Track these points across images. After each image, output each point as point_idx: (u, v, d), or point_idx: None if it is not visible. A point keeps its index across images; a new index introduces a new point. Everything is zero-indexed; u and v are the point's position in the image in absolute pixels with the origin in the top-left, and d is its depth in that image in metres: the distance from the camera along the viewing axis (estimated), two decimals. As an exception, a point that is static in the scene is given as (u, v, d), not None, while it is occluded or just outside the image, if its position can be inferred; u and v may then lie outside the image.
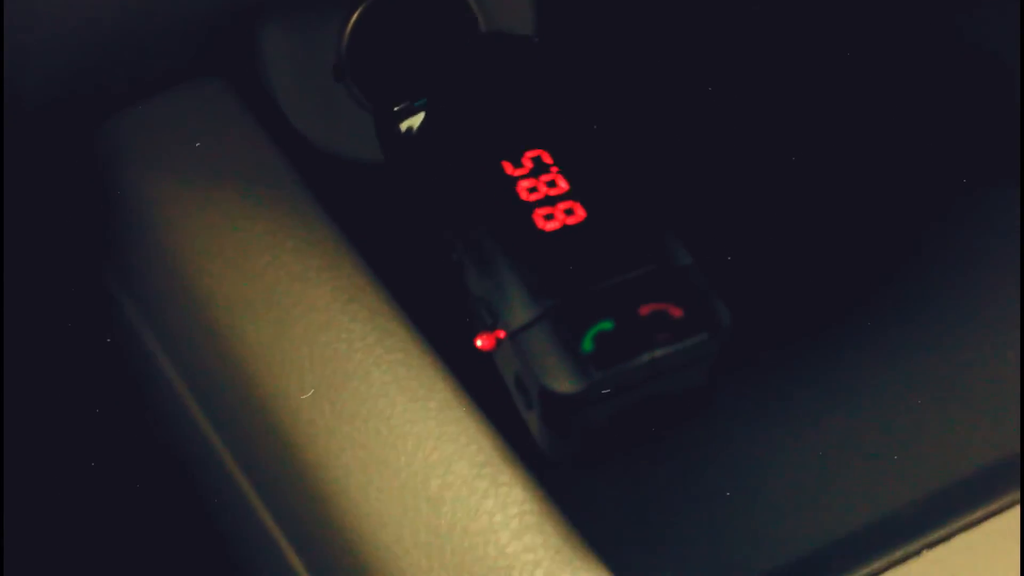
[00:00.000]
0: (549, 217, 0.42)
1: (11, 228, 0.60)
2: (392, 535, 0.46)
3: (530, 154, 0.44)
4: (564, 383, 0.38)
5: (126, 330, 0.58)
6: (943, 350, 0.58)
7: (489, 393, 0.46)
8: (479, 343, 0.41)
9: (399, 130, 0.46)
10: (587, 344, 0.39)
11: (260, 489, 0.52)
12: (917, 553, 0.46)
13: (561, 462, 0.43)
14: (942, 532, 0.47)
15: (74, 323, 0.65)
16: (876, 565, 0.47)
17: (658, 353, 0.38)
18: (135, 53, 0.52)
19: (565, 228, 0.42)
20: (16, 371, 0.64)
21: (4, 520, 0.64)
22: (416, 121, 0.46)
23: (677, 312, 0.39)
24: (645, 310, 0.39)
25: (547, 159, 0.44)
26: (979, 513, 0.48)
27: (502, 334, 0.41)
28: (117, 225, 0.56)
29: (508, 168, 0.43)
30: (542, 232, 0.42)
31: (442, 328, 0.49)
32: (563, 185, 0.43)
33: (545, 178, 0.43)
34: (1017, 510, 0.47)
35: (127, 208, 0.55)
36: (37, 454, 0.66)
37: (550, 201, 0.42)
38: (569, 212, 0.42)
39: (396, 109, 0.46)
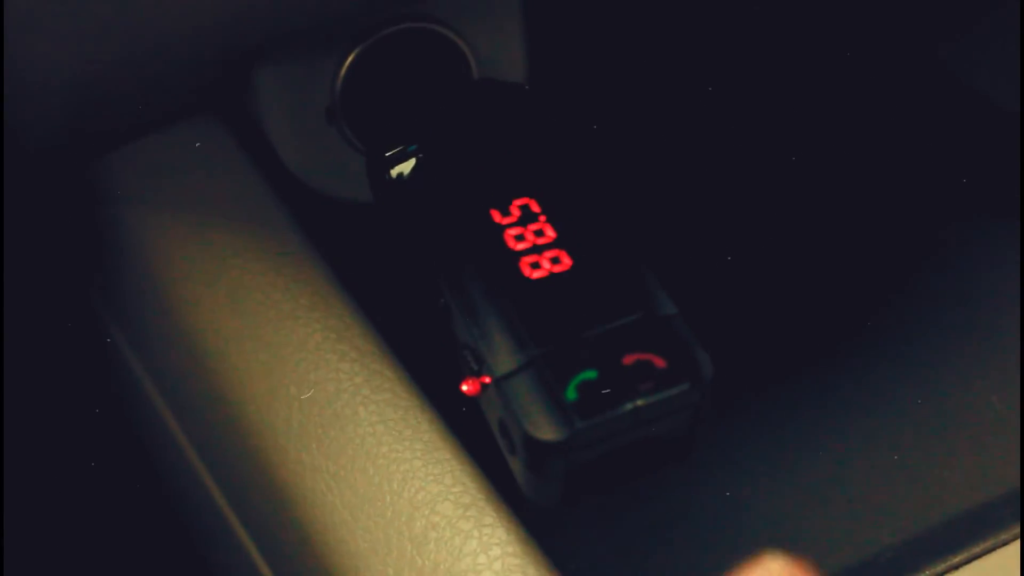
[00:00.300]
0: (536, 265, 0.42)
1: (3, 258, 0.60)
2: (376, 574, 0.46)
3: (518, 202, 0.44)
4: (548, 431, 0.39)
5: (117, 364, 0.58)
6: (932, 389, 0.58)
7: (474, 434, 0.47)
8: (465, 388, 0.42)
9: (390, 176, 0.47)
10: (571, 393, 0.39)
11: (247, 525, 0.53)
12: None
13: (543, 505, 0.43)
14: (929, 572, 0.47)
15: (65, 353, 0.65)
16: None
17: (640, 403, 0.39)
18: (133, 93, 0.52)
19: (551, 276, 0.42)
20: (5, 399, 0.65)
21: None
22: (407, 167, 0.47)
23: (660, 362, 0.40)
24: (629, 360, 0.40)
25: (535, 208, 0.44)
26: (961, 556, 0.48)
27: (487, 380, 0.41)
28: (111, 260, 0.56)
29: (496, 216, 0.44)
30: (528, 280, 0.42)
31: (429, 370, 0.50)
32: (550, 234, 0.43)
33: (533, 227, 0.44)
34: (1016, 545, 0.47)
35: (121, 243, 0.55)
36: (27, 484, 0.66)
37: (537, 250, 0.43)
38: (555, 261, 0.43)
39: (388, 155, 0.47)
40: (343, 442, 0.48)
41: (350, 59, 0.54)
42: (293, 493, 0.49)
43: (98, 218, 0.56)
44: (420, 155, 0.47)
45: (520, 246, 0.43)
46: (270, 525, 0.51)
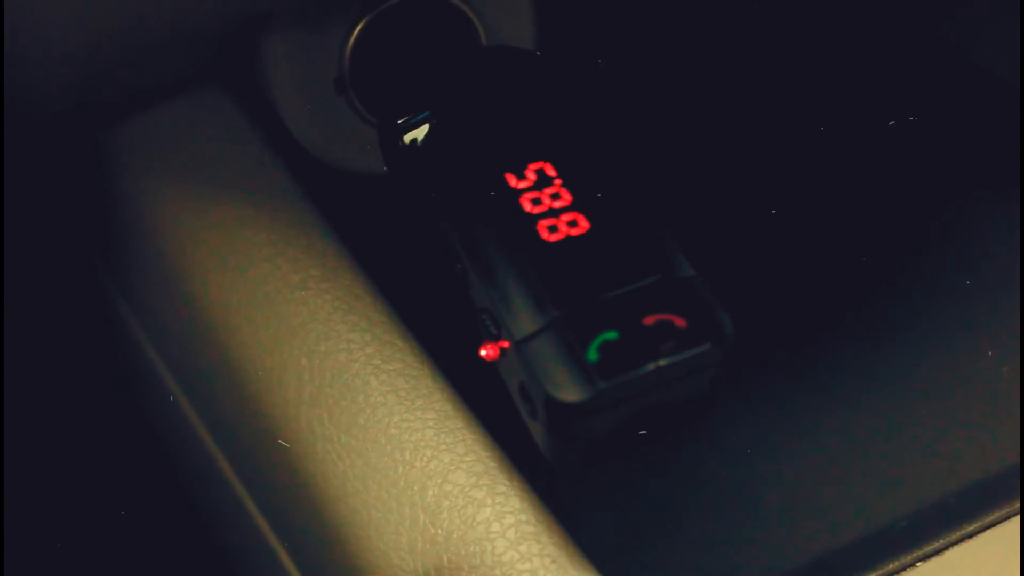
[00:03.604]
0: (553, 229, 0.42)
1: (10, 231, 0.60)
2: (389, 544, 0.46)
3: (533, 166, 0.44)
4: (570, 392, 0.38)
5: (124, 337, 0.58)
6: (942, 360, 0.58)
7: (487, 403, 0.47)
8: (484, 353, 0.42)
9: (403, 143, 0.46)
10: (592, 354, 0.39)
11: (257, 497, 0.52)
12: (912, 565, 0.47)
13: (563, 468, 0.43)
14: (938, 544, 0.47)
15: (72, 328, 0.64)
16: (871, 577, 0.47)
17: (662, 363, 0.39)
18: (139, 63, 0.52)
19: (569, 239, 0.42)
20: (11, 375, 0.64)
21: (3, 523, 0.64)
22: (419, 134, 0.46)
23: (681, 322, 0.40)
24: (649, 320, 0.40)
25: (550, 171, 0.44)
26: (975, 525, 0.48)
27: (507, 344, 0.41)
28: (118, 232, 0.56)
29: (512, 180, 0.44)
30: (546, 243, 0.42)
31: (441, 338, 0.49)
32: (566, 197, 0.43)
33: (548, 190, 0.43)
34: (1017, 521, 0.48)
35: (128, 216, 0.55)
36: (32, 460, 0.66)
37: (554, 213, 0.43)
38: (573, 224, 0.42)
39: (400, 122, 0.47)
40: (354, 412, 0.48)
41: (359, 28, 0.54)
42: (304, 464, 0.48)
43: (104, 190, 0.56)
44: (432, 121, 0.46)
45: (537, 210, 0.43)
46: (281, 497, 0.51)
